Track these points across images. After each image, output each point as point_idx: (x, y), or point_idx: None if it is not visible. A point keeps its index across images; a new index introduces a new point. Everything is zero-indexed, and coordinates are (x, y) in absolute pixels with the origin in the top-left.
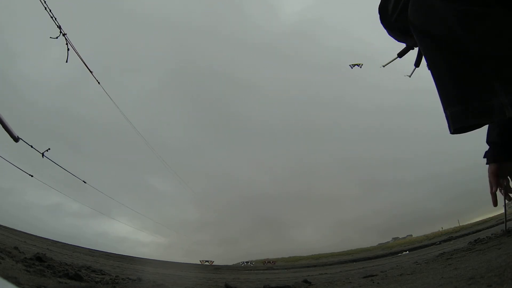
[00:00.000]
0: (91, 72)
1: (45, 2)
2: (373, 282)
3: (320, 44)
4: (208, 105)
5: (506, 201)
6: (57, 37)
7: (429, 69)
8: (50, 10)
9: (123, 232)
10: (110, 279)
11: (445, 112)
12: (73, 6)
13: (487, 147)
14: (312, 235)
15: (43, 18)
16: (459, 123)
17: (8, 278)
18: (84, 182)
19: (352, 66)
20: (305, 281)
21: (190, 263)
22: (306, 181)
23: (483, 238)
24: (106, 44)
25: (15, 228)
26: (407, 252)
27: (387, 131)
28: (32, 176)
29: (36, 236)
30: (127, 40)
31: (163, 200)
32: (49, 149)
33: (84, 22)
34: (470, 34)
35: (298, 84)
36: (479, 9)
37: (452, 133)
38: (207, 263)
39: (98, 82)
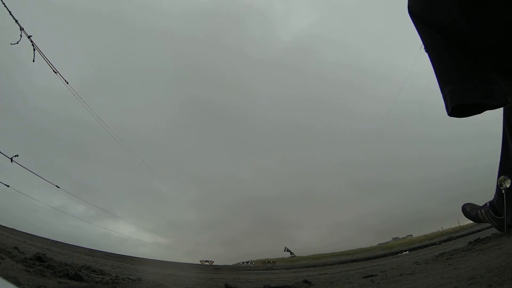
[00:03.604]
0: (57, 72)
1: (9, 9)
2: (373, 282)
3: (317, 56)
4: (209, 109)
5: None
6: (17, 42)
7: (426, 51)
8: (11, 13)
9: (125, 232)
10: (110, 279)
11: (442, 91)
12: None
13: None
14: (312, 235)
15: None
16: (458, 100)
17: (8, 278)
18: (58, 187)
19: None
20: (305, 281)
21: (190, 263)
22: (306, 181)
23: (483, 238)
24: (108, 52)
25: (15, 228)
26: (407, 252)
27: (387, 133)
28: (8, 186)
29: (36, 236)
30: (129, 48)
31: (163, 202)
32: (17, 155)
33: (87, 30)
34: (471, 23)
35: (297, 88)
36: None
37: (449, 113)
38: (207, 263)
39: (67, 82)
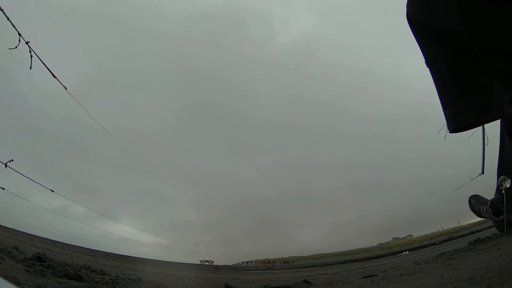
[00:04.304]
0: (55, 77)
1: (8, 14)
2: (373, 282)
3: (318, 58)
4: (209, 109)
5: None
6: (16, 47)
7: (427, 66)
8: (8, 18)
9: (126, 233)
10: (110, 279)
11: (444, 111)
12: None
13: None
14: (312, 235)
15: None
16: (457, 123)
17: (8, 278)
18: (52, 191)
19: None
20: (305, 281)
21: (190, 263)
22: (306, 182)
23: (483, 238)
24: (111, 54)
25: (15, 228)
26: (407, 252)
27: (386, 134)
28: (3, 189)
29: (36, 236)
30: (132, 50)
31: (163, 202)
32: (12, 160)
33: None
34: (470, 28)
35: (297, 89)
36: (479, 2)
37: (451, 132)
38: (207, 263)
39: (65, 88)
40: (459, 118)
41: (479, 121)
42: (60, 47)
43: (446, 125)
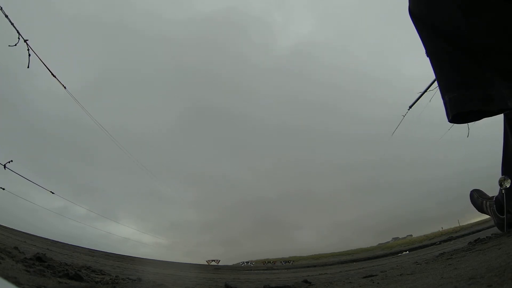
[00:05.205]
0: (54, 76)
1: (6, 12)
2: (373, 282)
3: (318, 60)
4: (210, 110)
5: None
6: (15, 44)
7: (427, 56)
8: (7, 16)
9: (126, 233)
10: (110, 279)
11: (443, 98)
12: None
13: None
14: (312, 235)
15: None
16: (457, 108)
17: (8, 278)
18: (52, 193)
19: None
20: (305, 281)
21: (190, 263)
22: (306, 182)
23: (483, 238)
24: (116, 58)
25: (15, 228)
26: (407, 252)
27: (386, 135)
28: (3, 189)
29: (36, 236)
30: (136, 52)
31: (163, 202)
32: (11, 160)
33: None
34: (470, 28)
35: (298, 92)
36: (479, 2)
37: (450, 120)
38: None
39: (65, 87)
40: (460, 104)
41: (480, 110)
42: (60, 49)
43: (445, 112)
